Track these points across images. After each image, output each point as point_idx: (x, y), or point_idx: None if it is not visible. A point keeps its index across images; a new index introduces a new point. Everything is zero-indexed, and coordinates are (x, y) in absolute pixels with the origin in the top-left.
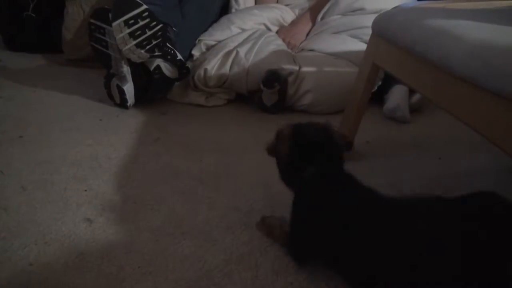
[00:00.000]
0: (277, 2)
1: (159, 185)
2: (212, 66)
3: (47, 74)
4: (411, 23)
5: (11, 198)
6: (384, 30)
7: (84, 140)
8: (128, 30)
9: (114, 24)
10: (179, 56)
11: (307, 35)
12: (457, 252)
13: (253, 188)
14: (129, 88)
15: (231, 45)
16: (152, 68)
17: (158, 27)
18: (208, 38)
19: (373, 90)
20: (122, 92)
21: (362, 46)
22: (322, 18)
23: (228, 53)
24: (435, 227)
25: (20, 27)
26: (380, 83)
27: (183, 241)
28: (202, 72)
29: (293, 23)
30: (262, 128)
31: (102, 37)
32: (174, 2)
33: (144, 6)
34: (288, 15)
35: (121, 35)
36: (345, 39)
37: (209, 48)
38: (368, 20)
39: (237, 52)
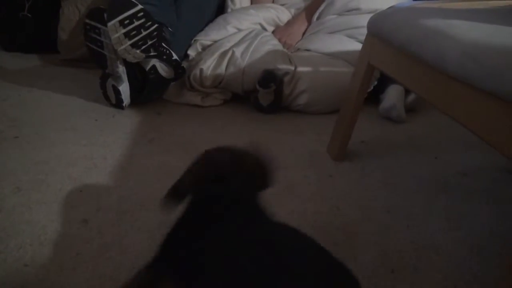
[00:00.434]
0: (273, 2)
1: (154, 185)
2: (208, 66)
3: (42, 74)
4: (406, 23)
5: (6, 198)
6: (380, 30)
7: (79, 141)
8: (124, 30)
9: (110, 24)
10: (175, 56)
11: (303, 35)
12: None
13: None
14: (124, 88)
15: (227, 45)
16: (147, 68)
17: (154, 27)
18: (204, 38)
19: (368, 90)
20: (117, 92)
21: (358, 46)
22: (318, 18)
23: (224, 53)
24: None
25: (16, 27)
26: (375, 83)
27: None
28: (198, 72)
29: (289, 23)
30: (258, 128)
31: (98, 37)
32: (170, 2)
33: (140, 6)
34: (284, 15)
35: (117, 35)
36: (341, 39)
37: (205, 48)
38: (364, 20)
39: (233, 52)
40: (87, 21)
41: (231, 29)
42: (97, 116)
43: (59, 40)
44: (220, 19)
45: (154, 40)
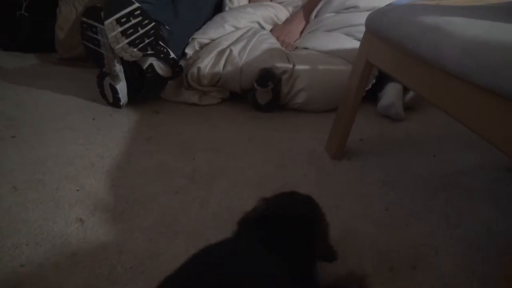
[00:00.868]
0: (271, 0)
1: (151, 184)
2: (206, 64)
3: (40, 73)
4: (404, 20)
5: (3, 198)
6: (377, 28)
7: (76, 140)
8: (121, 29)
9: (106, 22)
10: (172, 55)
11: (301, 33)
12: None
13: (246, 187)
14: (122, 87)
15: (224, 44)
16: (145, 66)
17: (151, 25)
18: (202, 36)
19: (367, 88)
20: (115, 91)
21: (356, 44)
22: (315, 16)
23: (222, 52)
24: None
25: (13, 27)
26: (374, 80)
27: (176, 241)
28: (195, 71)
29: (287, 21)
30: (256, 127)
31: (95, 35)
32: (167, 0)
33: (136, 4)
34: (282, 13)
35: (113, 33)
36: (339, 37)
37: (202, 46)
38: (362, 18)
39: (231, 51)
40: (84, 19)
41: (228, 28)
42: (94, 115)
43: (56, 39)
44: (217, 18)
45: (151, 38)
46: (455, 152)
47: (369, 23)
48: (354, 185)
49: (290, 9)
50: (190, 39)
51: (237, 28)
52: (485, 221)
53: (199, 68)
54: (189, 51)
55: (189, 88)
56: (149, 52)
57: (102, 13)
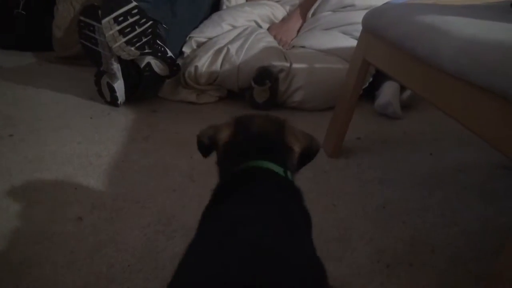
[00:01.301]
0: None
1: (149, 183)
2: (203, 63)
3: (37, 72)
4: (401, 19)
5: (1, 197)
6: (374, 26)
7: (74, 138)
8: (118, 27)
9: (104, 21)
10: (170, 53)
11: (298, 31)
12: None
13: None
14: (119, 86)
15: (222, 42)
16: (142, 65)
17: (148, 24)
18: (199, 35)
19: (364, 87)
20: (112, 90)
21: (353, 43)
22: (313, 15)
23: (219, 50)
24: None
25: (11, 25)
26: (371, 79)
27: (174, 239)
28: (192, 69)
29: (284, 20)
30: None
31: (92, 34)
32: None
33: (134, 3)
34: (279, 12)
35: (111, 32)
36: (336, 35)
37: (199, 45)
38: (359, 16)
39: (228, 49)
40: (82, 18)
41: (226, 26)
42: (92, 114)
43: (53, 37)
44: (215, 16)
45: (149, 37)
46: (452, 150)
47: (366, 22)
48: (351, 183)
49: (287, 7)
50: (187, 38)
51: (234, 27)
52: (482, 218)
53: (196, 67)
54: (186, 49)
55: (186, 86)
56: (146, 50)
57: (99, 12)
